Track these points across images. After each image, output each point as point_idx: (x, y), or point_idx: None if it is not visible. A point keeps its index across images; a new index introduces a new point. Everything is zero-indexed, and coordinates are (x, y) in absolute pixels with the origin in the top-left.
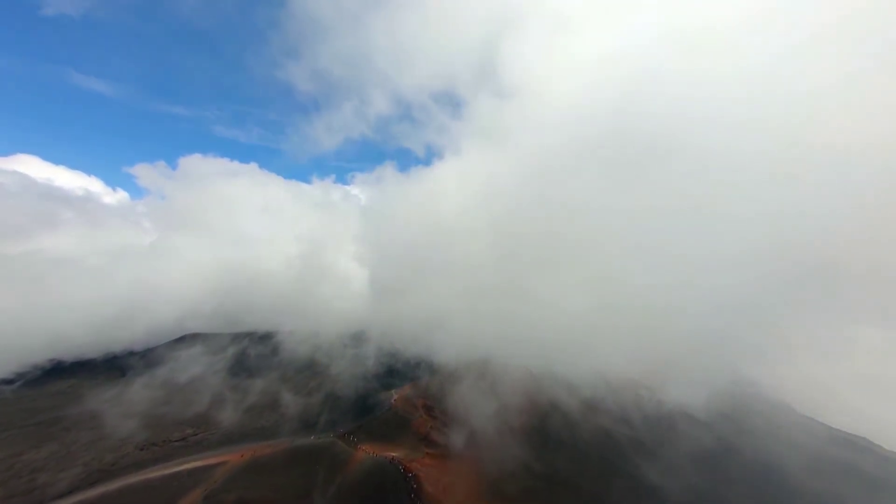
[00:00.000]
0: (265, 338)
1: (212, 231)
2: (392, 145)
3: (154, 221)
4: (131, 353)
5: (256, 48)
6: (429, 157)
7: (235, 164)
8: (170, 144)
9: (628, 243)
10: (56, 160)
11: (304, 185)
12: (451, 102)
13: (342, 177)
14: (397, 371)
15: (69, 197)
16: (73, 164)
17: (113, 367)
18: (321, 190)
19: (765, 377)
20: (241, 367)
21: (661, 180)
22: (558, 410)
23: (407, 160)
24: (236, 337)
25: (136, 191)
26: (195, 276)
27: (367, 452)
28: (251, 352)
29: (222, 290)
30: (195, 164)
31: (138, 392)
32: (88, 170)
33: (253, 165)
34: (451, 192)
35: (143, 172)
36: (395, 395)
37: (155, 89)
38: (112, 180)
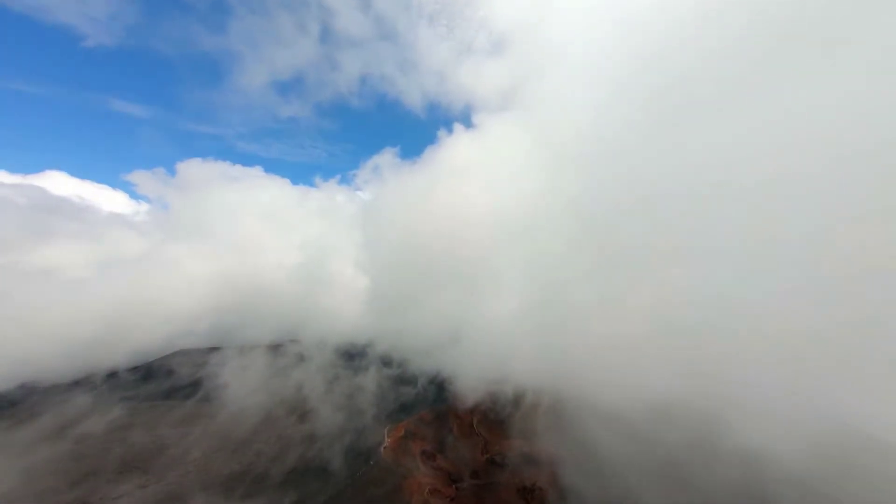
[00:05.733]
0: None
1: (209, 239)
2: (373, 102)
3: (151, 230)
4: None
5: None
6: (433, 119)
7: (238, 168)
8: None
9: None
10: (87, 177)
11: (311, 189)
12: (453, 23)
13: (346, 176)
14: (401, 398)
15: (73, 208)
16: (102, 180)
17: None
18: (325, 192)
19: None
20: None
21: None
22: (597, 451)
23: (402, 125)
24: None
25: (159, 203)
26: (191, 288)
27: None
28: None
29: (218, 303)
30: (194, 168)
31: None
32: (115, 184)
33: (257, 169)
34: (467, 175)
35: (141, 179)
36: (386, 440)
37: (183, 111)
38: (136, 194)
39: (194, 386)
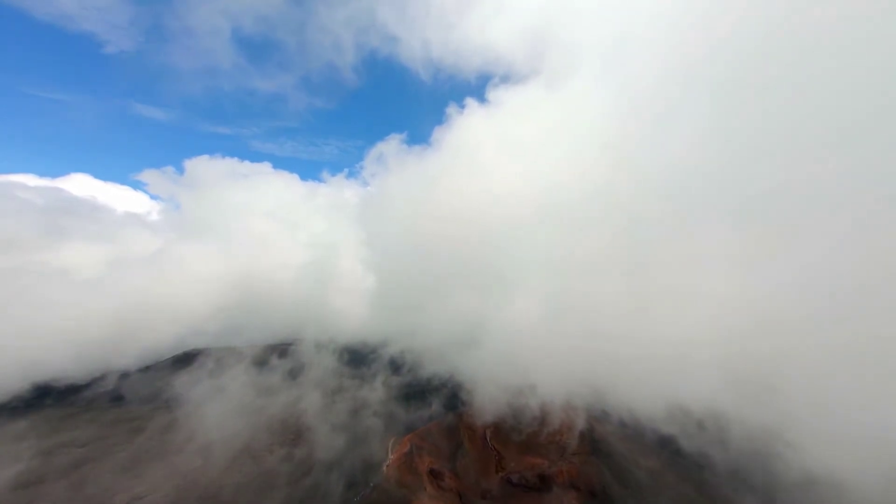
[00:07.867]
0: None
1: (218, 237)
2: (371, 73)
3: (163, 229)
4: None
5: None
6: (441, 93)
7: (247, 165)
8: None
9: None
10: (111, 179)
11: (319, 185)
12: None
13: (353, 170)
14: (410, 408)
15: (88, 208)
16: (125, 182)
17: None
18: (333, 187)
19: None
20: None
21: None
22: (630, 473)
23: (407, 99)
24: None
25: (173, 202)
26: (199, 286)
27: None
28: None
29: (226, 302)
30: (202, 165)
31: None
32: (136, 186)
33: (266, 165)
34: (482, 160)
35: (153, 178)
36: (390, 456)
37: (201, 112)
38: (155, 195)
39: (152, 413)
